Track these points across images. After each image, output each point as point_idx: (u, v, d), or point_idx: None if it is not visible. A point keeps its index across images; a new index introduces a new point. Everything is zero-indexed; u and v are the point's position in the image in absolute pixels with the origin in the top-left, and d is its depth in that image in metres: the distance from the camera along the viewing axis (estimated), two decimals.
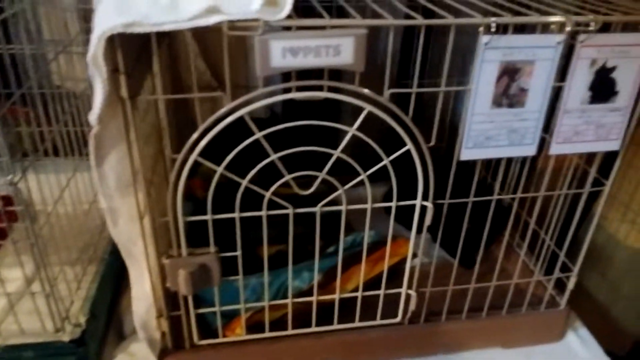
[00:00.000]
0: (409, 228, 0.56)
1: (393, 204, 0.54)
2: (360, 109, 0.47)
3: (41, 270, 0.49)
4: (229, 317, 0.59)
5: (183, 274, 0.49)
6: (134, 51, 0.43)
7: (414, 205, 0.54)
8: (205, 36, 0.74)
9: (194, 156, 0.45)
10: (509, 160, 0.66)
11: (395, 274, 0.61)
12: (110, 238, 0.69)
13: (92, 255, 0.65)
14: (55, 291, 0.52)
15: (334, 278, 0.62)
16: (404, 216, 0.56)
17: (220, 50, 0.53)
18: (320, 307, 0.59)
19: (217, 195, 0.50)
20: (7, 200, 0.49)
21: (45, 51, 0.62)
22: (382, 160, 0.50)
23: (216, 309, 0.55)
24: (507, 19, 0.45)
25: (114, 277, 0.66)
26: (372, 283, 0.61)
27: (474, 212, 0.57)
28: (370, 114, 0.46)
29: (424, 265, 0.62)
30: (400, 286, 0.59)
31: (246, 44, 0.73)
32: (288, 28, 0.42)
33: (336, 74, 0.45)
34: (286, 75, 0.45)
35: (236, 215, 0.50)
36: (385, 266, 0.61)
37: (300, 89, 0.45)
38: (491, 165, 0.71)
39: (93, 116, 0.42)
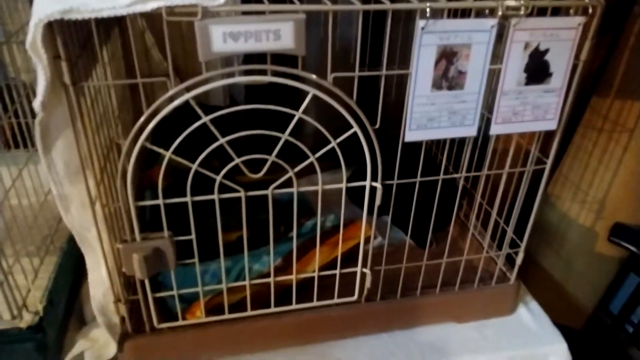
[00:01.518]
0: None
1: (343, 185, 0.56)
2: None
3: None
4: (190, 302, 0.60)
5: (137, 258, 0.50)
6: (78, 38, 0.44)
7: (374, 189, 0.56)
8: (160, 26, 0.75)
9: (141, 140, 0.46)
10: (461, 142, 0.69)
11: (355, 257, 0.63)
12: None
13: (49, 245, 0.65)
14: (11, 280, 0.53)
15: (294, 261, 0.64)
16: (363, 199, 0.58)
17: (177, 40, 0.54)
18: (280, 289, 0.61)
19: (178, 183, 0.51)
20: None
21: None
22: (337, 145, 0.51)
23: (174, 292, 0.56)
24: (442, 3, 0.47)
25: (73, 265, 0.67)
26: (333, 265, 0.63)
27: (428, 193, 0.60)
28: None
29: (382, 246, 0.64)
30: (356, 268, 0.62)
31: None
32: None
33: (295, 59, 0.47)
34: (248, 60, 0.46)
35: (188, 199, 0.51)
36: (339, 249, 0.63)
37: (247, 74, 0.46)
38: (445, 147, 0.74)
39: (37, 103, 0.42)
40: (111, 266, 0.53)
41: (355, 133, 0.51)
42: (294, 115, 0.49)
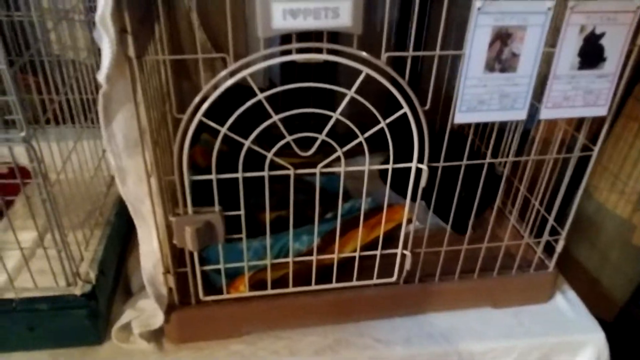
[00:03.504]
0: (405, 196, 0.59)
1: (390, 167, 0.56)
2: (357, 75, 0.48)
3: (54, 228, 0.52)
4: (232, 277, 0.62)
5: (189, 230, 0.52)
6: (139, 13, 0.45)
7: (409, 174, 0.56)
8: (206, 8, 0.76)
9: (199, 115, 0.47)
10: (502, 129, 0.68)
11: (391, 240, 0.64)
12: (116, 201, 0.72)
13: (98, 218, 0.67)
14: (67, 248, 0.55)
15: (331, 242, 0.65)
16: (400, 184, 0.58)
17: (220, 21, 0.54)
18: (319, 268, 0.62)
19: (220, 163, 0.52)
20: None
21: (45, 19, 0.63)
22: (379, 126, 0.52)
23: (220, 266, 0.58)
24: None
25: (121, 238, 0.69)
26: (369, 248, 0.64)
27: (467, 180, 0.60)
28: (368, 79, 0.48)
29: (419, 230, 0.65)
30: (396, 250, 0.62)
31: (245, 13, 0.75)
32: None
33: (334, 39, 0.47)
34: (285, 41, 0.47)
35: (239, 175, 0.52)
36: (382, 229, 0.64)
37: (299, 52, 0.47)
38: (485, 134, 0.73)
39: (101, 76, 0.44)
40: (162, 238, 0.54)
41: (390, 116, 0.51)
42: (330, 98, 0.49)
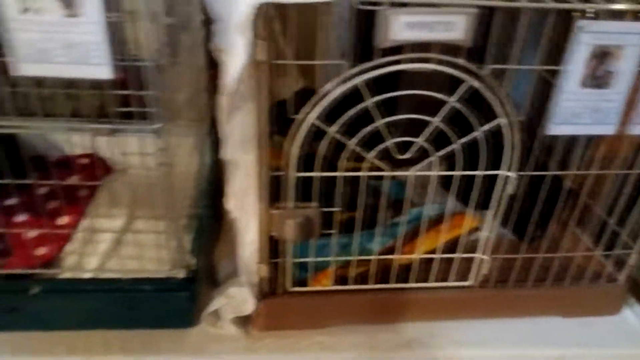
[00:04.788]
0: (467, 204, 0.61)
1: (479, 173, 0.59)
2: (453, 85, 0.52)
3: (169, 213, 0.56)
4: (314, 271, 0.65)
5: (291, 223, 0.55)
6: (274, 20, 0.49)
7: (473, 183, 0.59)
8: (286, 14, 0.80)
9: (313, 116, 0.51)
10: (571, 144, 0.70)
11: (456, 245, 0.66)
12: (203, 194, 0.76)
13: (191, 210, 0.72)
14: (178, 235, 0.59)
15: (403, 244, 0.68)
16: (464, 193, 0.61)
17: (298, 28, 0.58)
18: (390, 268, 0.65)
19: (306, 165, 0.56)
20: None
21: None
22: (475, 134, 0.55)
23: (310, 259, 0.61)
24: (601, 5, 0.50)
25: (211, 229, 0.73)
26: (434, 252, 0.66)
27: (538, 191, 0.62)
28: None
29: (488, 238, 0.67)
30: (475, 254, 0.65)
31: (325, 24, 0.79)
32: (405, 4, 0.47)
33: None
34: (385, 51, 0.50)
35: (339, 174, 0.56)
36: (463, 230, 0.67)
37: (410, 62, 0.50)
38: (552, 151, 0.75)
39: (232, 77, 0.48)
40: (261, 230, 0.58)
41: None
42: (420, 103, 0.52)
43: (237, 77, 0.48)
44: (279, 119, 0.52)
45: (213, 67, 0.61)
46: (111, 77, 0.45)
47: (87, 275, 0.67)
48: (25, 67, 0.44)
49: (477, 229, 0.69)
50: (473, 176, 0.59)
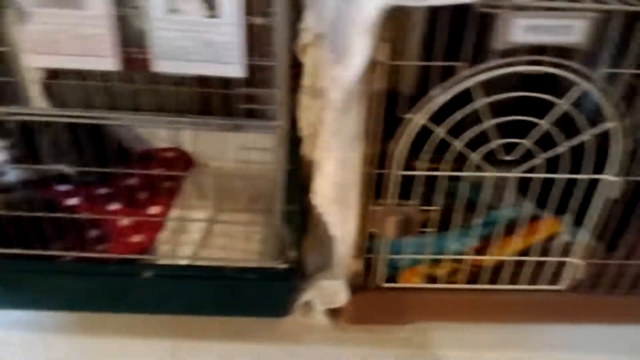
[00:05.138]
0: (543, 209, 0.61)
1: (584, 177, 0.58)
2: (551, 87, 0.52)
3: (276, 205, 0.58)
4: (402, 269, 0.66)
5: (392, 221, 0.57)
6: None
7: (551, 187, 0.58)
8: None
9: (423, 118, 0.52)
10: None
11: (544, 249, 0.66)
12: (293, 191, 0.79)
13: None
14: (282, 228, 0.61)
15: (487, 245, 0.68)
16: (542, 198, 0.61)
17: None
18: (475, 269, 0.65)
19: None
20: None
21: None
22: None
23: (403, 256, 0.62)
24: None
25: (300, 223, 0.75)
26: (521, 255, 0.66)
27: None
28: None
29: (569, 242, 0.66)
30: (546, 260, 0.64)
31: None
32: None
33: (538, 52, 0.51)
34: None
35: (443, 174, 0.57)
36: (548, 234, 0.66)
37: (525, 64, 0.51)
38: None
39: (350, 76, 0.50)
40: (359, 226, 0.60)
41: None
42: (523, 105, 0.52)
43: (354, 78, 0.49)
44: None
45: (295, 65, 0.63)
46: (243, 75, 0.47)
47: (183, 262, 0.70)
48: (163, 64, 0.47)
49: (560, 233, 0.69)
50: (562, 180, 0.58)
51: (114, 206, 0.84)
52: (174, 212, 0.84)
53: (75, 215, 0.73)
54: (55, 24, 0.44)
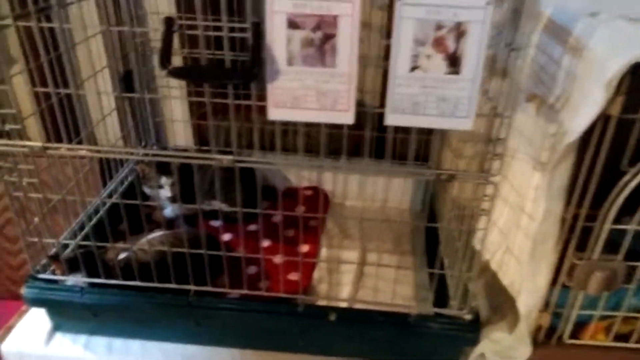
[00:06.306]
0: None
1: None
2: None
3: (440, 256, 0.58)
4: (584, 324, 0.63)
5: (598, 275, 0.55)
6: None
7: None
8: None
9: None
10: None
11: None
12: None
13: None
14: (462, 275, 0.60)
15: None
16: None
17: None
18: None
19: None
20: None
21: None
22: None
23: (598, 312, 0.59)
24: None
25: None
26: None
27: None
28: None
29: None
30: None
31: None
32: None
33: None
34: None
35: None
36: None
37: None
38: None
39: (578, 128, 0.49)
40: (556, 279, 0.58)
41: None
42: None
43: (580, 130, 0.48)
44: None
45: None
46: (471, 128, 0.48)
47: (342, 304, 0.70)
48: (396, 118, 0.48)
49: None
50: None
51: (265, 243, 0.86)
52: (324, 251, 0.85)
53: (239, 254, 0.75)
54: (302, 80, 0.47)
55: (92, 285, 0.61)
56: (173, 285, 0.61)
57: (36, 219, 0.58)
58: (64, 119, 0.56)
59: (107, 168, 0.86)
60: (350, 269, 0.80)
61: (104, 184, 0.87)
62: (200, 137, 1.03)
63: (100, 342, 0.64)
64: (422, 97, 0.47)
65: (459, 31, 0.44)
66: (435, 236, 0.77)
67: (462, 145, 0.72)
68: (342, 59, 0.46)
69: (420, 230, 0.89)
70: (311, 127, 0.50)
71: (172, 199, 0.85)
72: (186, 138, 1.02)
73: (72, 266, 0.59)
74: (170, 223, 0.85)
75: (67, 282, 0.61)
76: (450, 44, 0.45)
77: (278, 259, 0.81)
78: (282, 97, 0.48)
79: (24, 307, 0.70)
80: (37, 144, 0.52)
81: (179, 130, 1.01)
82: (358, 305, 0.70)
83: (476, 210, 0.59)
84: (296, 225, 0.82)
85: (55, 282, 0.61)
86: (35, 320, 0.66)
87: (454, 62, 0.45)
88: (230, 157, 0.55)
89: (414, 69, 0.46)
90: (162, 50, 0.45)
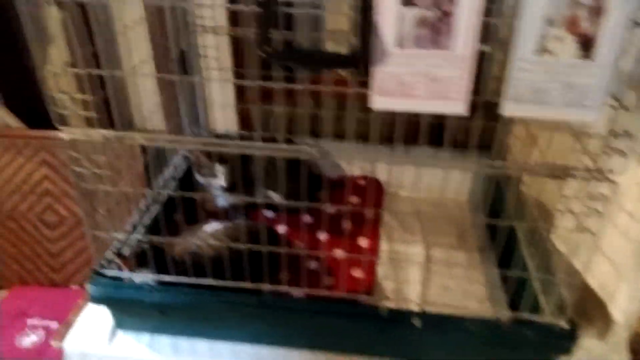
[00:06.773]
0: None
1: None
2: None
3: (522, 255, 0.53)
4: None
5: None
6: None
7: None
8: None
9: None
10: None
11: None
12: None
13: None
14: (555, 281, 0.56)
15: None
16: None
17: None
18: None
19: None
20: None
21: None
22: None
23: None
24: None
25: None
26: None
27: None
28: None
29: None
30: None
31: None
32: None
33: None
34: None
35: None
36: None
37: None
38: None
39: None
40: None
41: None
42: None
43: None
44: None
45: None
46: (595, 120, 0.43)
47: (414, 308, 0.65)
48: (514, 107, 0.43)
49: None
50: None
51: (322, 235, 0.81)
52: (384, 246, 0.80)
53: (301, 250, 0.70)
54: (412, 65, 0.42)
55: (160, 282, 0.57)
56: (248, 285, 0.57)
57: (101, 212, 0.54)
58: (118, 107, 0.52)
59: (154, 157, 0.81)
60: (415, 265, 0.76)
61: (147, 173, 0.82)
62: (244, 123, 0.98)
63: (164, 341, 0.61)
64: (546, 84, 0.42)
65: (597, 10, 0.39)
66: (495, 231, 0.73)
67: (539, 134, 0.67)
68: (459, 40, 0.41)
69: (481, 225, 0.84)
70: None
71: (226, 188, 0.81)
72: (227, 124, 0.97)
73: (139, 263, 0.55)
74: (222, 214, 0.81)
75: (134, 279, 0.57)
76: (586, 25, 0.40)
77: (340, 254, 0.77)
78: (388, 84, 0.43)
79: (79, 302, 0.67)
80: (112, 132, 0.48)
81: (219, 115, 0.95)
82: (430, 308, 0.66)
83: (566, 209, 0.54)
84: (352, 217, 0.77)
85: (120, 279, 0.57)
86: (95, 317, 0.63)
87: (587, 45, 0.40)
88: (314, 148, 0.50)
89: (539, 51, 0.41)
90: (260, 34, 0.40)
